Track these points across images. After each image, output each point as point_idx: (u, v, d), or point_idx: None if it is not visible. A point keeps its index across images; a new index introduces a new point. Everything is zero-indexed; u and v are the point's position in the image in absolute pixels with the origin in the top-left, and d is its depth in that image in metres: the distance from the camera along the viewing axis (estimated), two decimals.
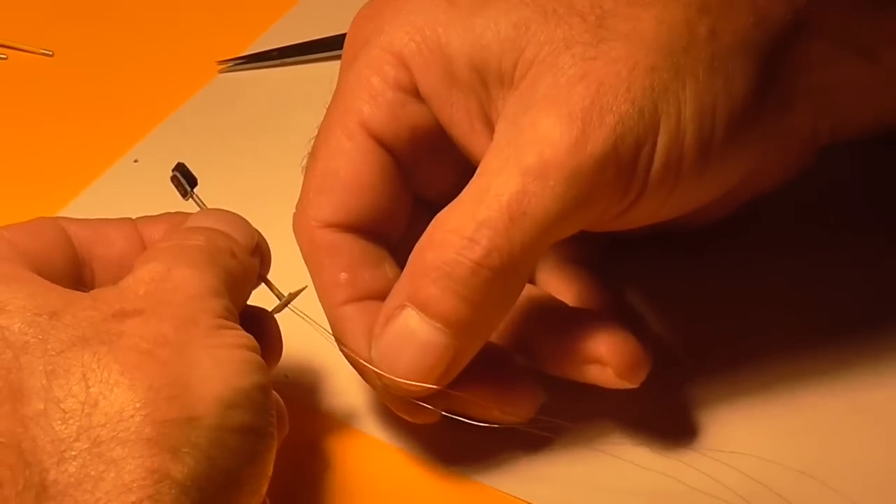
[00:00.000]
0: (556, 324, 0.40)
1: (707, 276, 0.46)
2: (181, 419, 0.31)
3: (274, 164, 0.53)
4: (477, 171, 0.37)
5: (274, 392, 0.35)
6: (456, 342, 0.36)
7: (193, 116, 0.56)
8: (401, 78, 0.39)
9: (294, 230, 0.41)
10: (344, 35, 0.41)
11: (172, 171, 0.41)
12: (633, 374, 0.38)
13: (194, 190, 0.41)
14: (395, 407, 0.40)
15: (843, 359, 0.43)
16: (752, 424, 0.41)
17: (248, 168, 0.53)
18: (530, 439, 0.40)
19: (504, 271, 0.36)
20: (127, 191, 0.51)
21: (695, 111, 0.36)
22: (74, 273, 0.36)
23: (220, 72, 0.58)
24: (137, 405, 0.31)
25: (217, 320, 0.34)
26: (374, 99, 0.39)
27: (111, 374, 0.31)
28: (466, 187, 0.37)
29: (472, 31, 0.38)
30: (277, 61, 0.58)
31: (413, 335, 0.37)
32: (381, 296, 0.39)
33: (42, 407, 0.30)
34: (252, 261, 0.38)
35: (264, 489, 0.34)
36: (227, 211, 0.39)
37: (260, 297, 0.39)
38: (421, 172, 0.41)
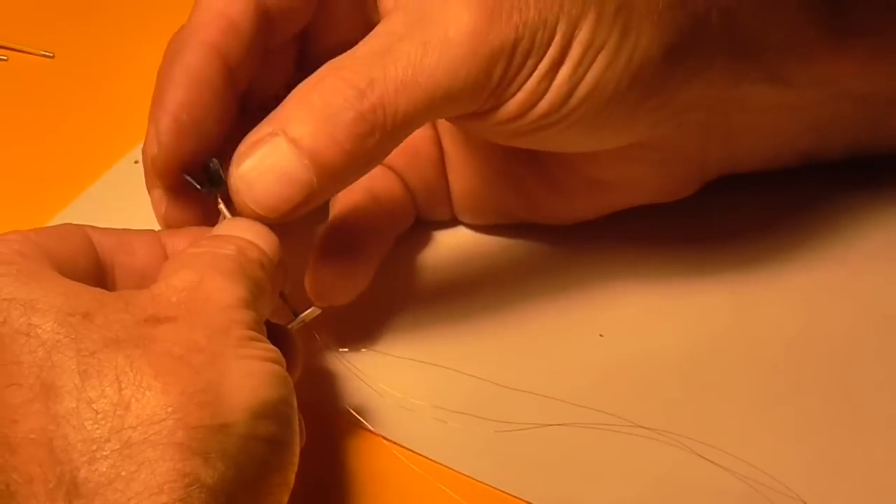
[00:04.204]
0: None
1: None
2: (213, 426, 0.31)
3: None
4: (378, 28, 0.38)
5: None
6: (316, 183, 0.37)
7: None
8: None
9: None
10: None
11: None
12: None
13: (219, 191, 0.40)
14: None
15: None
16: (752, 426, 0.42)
17: None
18: (533, 439, 0.40)
19: (382, 131, 0.37)
20: (127, 192, 0.51)
21: (582, 43, 0.38)
22: (97, 279, 0.36)
23: None
24: (169, 409, 0.31)
25: (247, 332, 0.34)
26: None
27: (144, 378, 0.31)
28: (366, 40, 0.38)
29: None
30: None
31: (278, 162, 0.37)
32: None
33: (74, 406, 0.31)
34: (278, 274, 0.38)
35: (286, 500, 0.34)
36: (254, 221, 0.38)
37: None
38: None
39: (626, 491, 0.40)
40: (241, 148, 0.38)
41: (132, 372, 0.31)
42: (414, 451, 0.41)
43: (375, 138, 0.37)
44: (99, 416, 0.30)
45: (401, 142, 0.38)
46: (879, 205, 0.49)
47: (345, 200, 0.45)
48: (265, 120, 0.38)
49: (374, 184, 0.46)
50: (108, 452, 0.30)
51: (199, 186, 0.40)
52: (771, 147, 0.46)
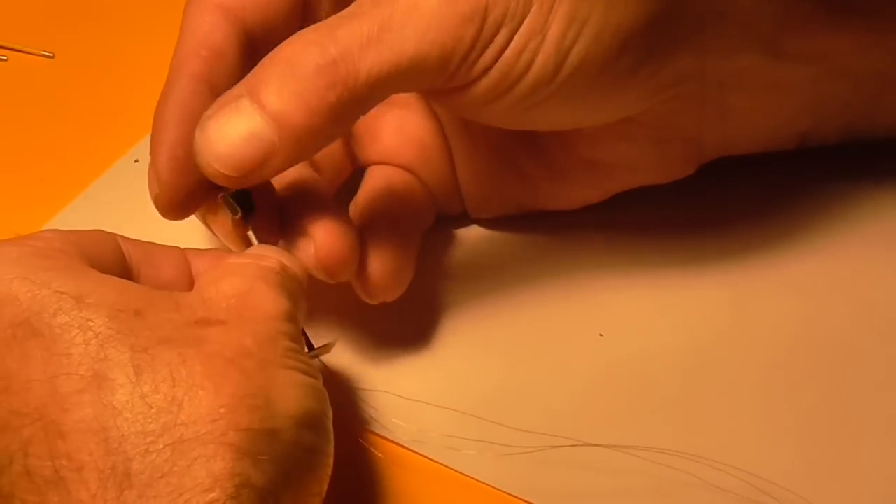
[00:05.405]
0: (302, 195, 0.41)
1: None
2: (262, 430, 0.31)
3: None
4: (352, 5, 0.38)
5: None
6: (280, 143, 0.36)
7: None
8: None
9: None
10: None
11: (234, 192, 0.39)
12: (331, 262, 0.39)
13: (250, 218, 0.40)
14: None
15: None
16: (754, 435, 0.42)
17: None
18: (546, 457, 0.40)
19: (344, 87, 0.36)
20: (127, 190, 0.51)
21: (566, 15, 0.37)
22: None
23: None
24: (222, 410, 0.31)
25: (291, 344, 0.35)
26: None
27: (196, 377, 0.31)
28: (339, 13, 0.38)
29: None
30: None
31: (241, 121, 0.36)
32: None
33: (128, 399, 0.31)
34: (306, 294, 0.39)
35: None
36: (281, 249, 0.39)
37: None
38: None
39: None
40: (207, 112, 0.37)
41: (185, 370, 0.31)
42: (432, 460, 0.41)
43: (338, 94, 0.36)
44: (153, 410, 0.31)
45: (367, 109, 0.38)
46: (878, 195, 0.49)
47: (366, 204, 0.45)
48: (236, 85, 0.37)
49: (391, 182, 0.46)
50: (162, 447, 0.30)
51: (234, 213, 0.39)
52: (767, 127, 0.46)
